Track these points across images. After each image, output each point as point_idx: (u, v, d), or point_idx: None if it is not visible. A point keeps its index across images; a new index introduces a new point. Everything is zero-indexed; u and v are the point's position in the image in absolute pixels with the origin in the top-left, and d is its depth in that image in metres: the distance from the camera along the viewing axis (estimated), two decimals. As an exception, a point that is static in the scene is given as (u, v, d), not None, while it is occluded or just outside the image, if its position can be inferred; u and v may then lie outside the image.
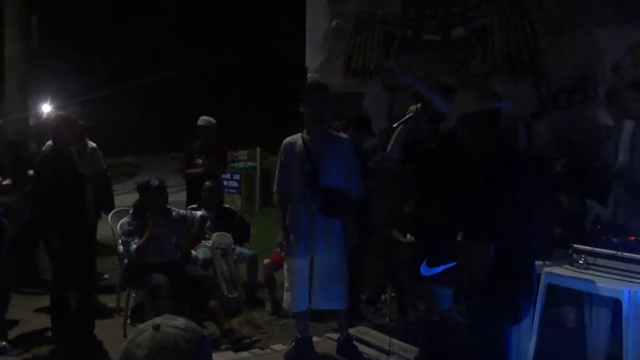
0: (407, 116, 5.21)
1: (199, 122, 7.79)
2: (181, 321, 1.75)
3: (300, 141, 5.30)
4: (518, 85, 6.77)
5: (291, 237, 5.33)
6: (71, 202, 5.82)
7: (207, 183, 7.40)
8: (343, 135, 5.63)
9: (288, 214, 5.40)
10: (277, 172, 5.51)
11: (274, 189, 5.67)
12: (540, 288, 4.79)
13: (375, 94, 7.55)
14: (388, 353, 5.30)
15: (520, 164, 3.84)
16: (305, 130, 5.32)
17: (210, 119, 7.84)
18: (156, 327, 1.69)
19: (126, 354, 1.70)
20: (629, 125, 5.53)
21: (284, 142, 5.44)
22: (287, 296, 5.47)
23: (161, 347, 1.67)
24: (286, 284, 5.48)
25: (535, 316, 4.81)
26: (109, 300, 7.15)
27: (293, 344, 5.55)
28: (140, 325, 1.75)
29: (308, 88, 5.35)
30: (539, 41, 6.70)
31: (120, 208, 7.31)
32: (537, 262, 4.86)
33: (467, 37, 7.09)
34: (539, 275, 4.84)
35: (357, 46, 7.64)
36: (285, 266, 5.55)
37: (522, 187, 3.60)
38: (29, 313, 6.77)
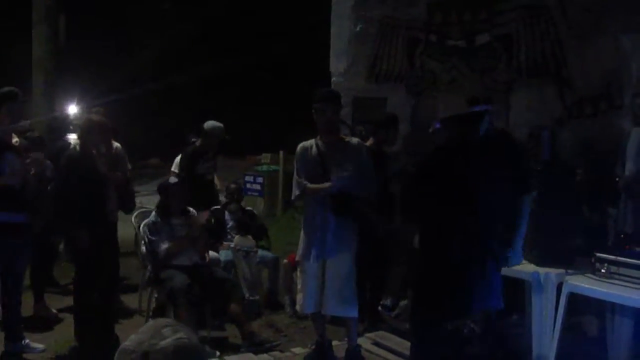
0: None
1: (206, 126, 7.52)
2: (170, 338, 1.69)
3: (314, 146, 5.36)
4: (543, 92, 6.74)
5: (305, 239, 5.37)
6: (95, 203, 5.88)
7: (232, 185, 7.45)
8: (355, 139, 5.61)
9: (303, 217, 5.46)
10: (293, 179, 5.52)
11: (292, 197, 5.65)
12: (561, 297, 4.78)
13: (399, 99, 7.56)
14: (405, 356, 5.30)
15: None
16: (318, 137, 5.38)
17: (215, 124, 7.55)
18: (144, 356, 1.66)
19: None
20: (636, 133, 5.48)
21: (299, 147, 5.48)
22: (299, 297, 5.51)
23: None
24: (299, 286, 5.52)
25: (556, 325, 4.79)
26: (130, 301, 7.22)
27: (313, 347, 5.56)
28: (129, 345, 1.70)
29: (319, 97, 5.30)
30: (564, 48, 6.68)
31: (144, 209, 7.37)
32: (558, 271, 4.88)
33: (492, 44, 7.08)
34: (560, 284, 4.83)
35: (381, 51, 7.65)
36: (298, 268, 5.59)
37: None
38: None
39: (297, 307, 5.67)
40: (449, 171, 4.08)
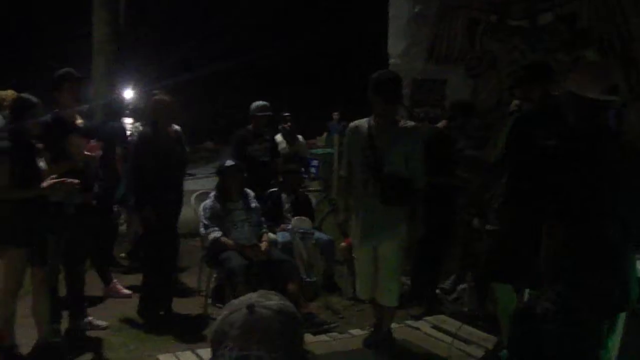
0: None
1: (250, 108, 7.62)
2: (274, 301, 1.75)
3: (365, 127, 5.17)
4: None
5: (354, 224, 5.30)
6: (167, 181, 6.05)
7: (290, 166, 7.50)
8: (411, 123, 5.42)
9: (353, 202, 5.34)
10: (344, 154, 5.48)
11: (341, 172, 5.59)
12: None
13: (459, 80, 7.42)
14: (465, 340, 5.26)
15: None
16: (372, 117, 5.20)
17: (259, 103, 7.61)
18: (250, 307, 1.70)
19: (219, 331, 1.72)
20: None
21: (350, 126, 5.37)
22: (357, 282, 5.55)
23: (254, 328, 1.68)
24: (356, 271, 5.53)
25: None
26: (189, 281, 7.33)
27: (372, 329, 5.55)
28: (235, 301, 1.76)
29: (372, 87, 5.06)
30: (630, 27, 6.47)
31: (203, 190, 7.47)
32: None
33: (556, 23, 6.90)
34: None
35: (441, 32, 7.52)
36: (353, 252, 5.56)
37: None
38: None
39: (358, 294, 5.72)
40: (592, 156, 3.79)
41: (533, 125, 4.15)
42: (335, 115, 20.63)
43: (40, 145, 5.06)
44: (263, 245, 6.29)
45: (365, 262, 5.30)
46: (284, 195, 7.44)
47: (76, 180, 4.97)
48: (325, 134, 19.07)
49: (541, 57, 6.58)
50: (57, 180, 4.90)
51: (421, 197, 5.23)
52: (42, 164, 5.01)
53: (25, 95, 5.10)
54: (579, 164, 3.75)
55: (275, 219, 7.18)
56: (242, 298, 1.77)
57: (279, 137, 9.04)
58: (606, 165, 3.80)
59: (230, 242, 6.18)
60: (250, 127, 7.58)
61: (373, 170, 5.05)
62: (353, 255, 5.55)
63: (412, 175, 5.08)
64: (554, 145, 3.88)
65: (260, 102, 7.53)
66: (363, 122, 5.23)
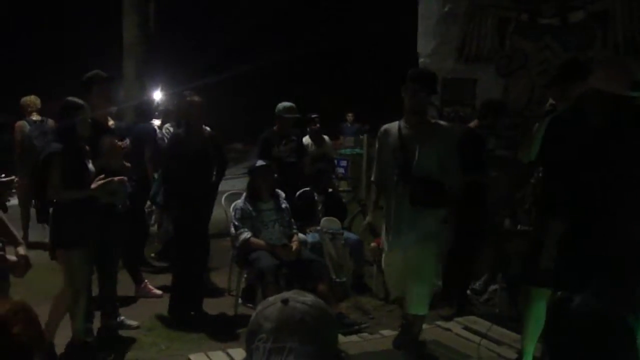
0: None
1: (276, 109, 7.52)
2: (309, 298, 1.76)
3: (396, 129, 5.08)
4: (640, 71, 6.46)
5: (385, 227, 5.21)
6: (201, 183, 6.11)
7: (320, 165, 7.50)
8: (444, 123, 5.37)
9: (384, 205, 5.25)
10: (375, 158, 5.40)
11: (372, 177, 5.52)
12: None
13: (489, 80, 7.37)
14: (496, 341, 5.21)
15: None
16: (403, 118, 5.11)
17: (285, 104, 7.51)
18: (285, 302, 1.72)
19: (254, 324, 1.73)
20: None
21: (381, 129, 5.25)
22: (387, 282, 5.54)
23: (288, 321, 1.69)
24: (386, 273, 5.48)
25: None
26: (219, 281, 7.36)
27: (400, 329, 5.53)
28: (270, 298, 1.77)
29: (410, 76, 5.00)
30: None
31: (234, 191, 7.50)
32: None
33: (587, 21, 6.82)
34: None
35: (471, 31, 7.47)
36: (382, 254, 5.44)
37: None
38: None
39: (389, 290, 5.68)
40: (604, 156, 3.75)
41: (569, 125, 4.09)
42: (350, 116, 19.75)
43: (88, 148, 5.15)
44: (294, 245, 6.28)
45: (391, 265, 5.24)
46: (316, 195, 7.44)
47: (125, 178, 5.06)
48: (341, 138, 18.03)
49: (573, 56, 6.51)
50: (105, 180, 4.98)
51: (455, 199, 5.14)
52: (90, 165, 5.10)
53: (72, 98, 5.16)
54: (609, 162, 3.71)
55: (308, 219, 7.19)
56: (276, 295, 1.78)
57: (307, 139, 9.01)
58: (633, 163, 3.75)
59: (261, 242, 6.18)
60: (275, 128, 7.54)
61: (402, 171, 4.96)
62: (383, 255, 5.46)
63: (445, 175, 4.97)
64: (588, 144, 3.83)
65: (287, 103, 7.48)
66: (393, 125, 5.15)
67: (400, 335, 5.45)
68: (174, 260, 6.82)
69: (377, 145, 5.34)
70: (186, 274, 6.27)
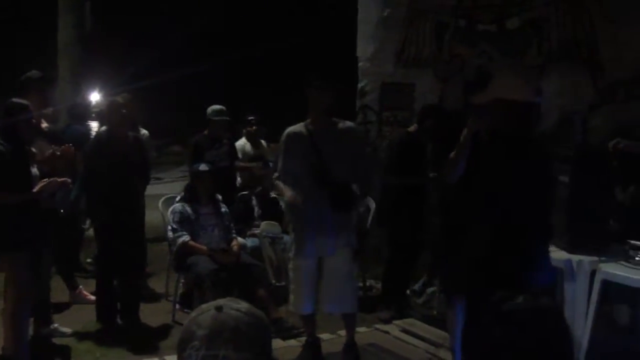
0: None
1: (207, 112, 7.39)
2: (244, 305, 1.74)
3: (304, 132, 4.97)
4: (574, 77, 6.63)
5: (298, 236, 5.09)
6: (121, 186, 5.91)
7: (259, 171, 7.48)
8: (349, 123, 5.24)
9: (294, 212, 5.10)
10: (279, 162, 5.15)
11: (274, 176, 5.32)
12: (594, 284, 4.70)
13: (427, 85, 7.47)
14: (434, 343, 5.26)
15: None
16: (309, 120, 5.01)
17: (215, 108, 7.38)
18: (218, 309, 1.70)
19: (187, 332, 1.70)
20: None
21: (286, 132, 5.08)
22: (292, 298, 5.29)
23: (221, 329, 1.67)
24: (292, 286, 5.28)
25: (589, 313, 4.71)
26: (157, 286, 7.24)
27: (302, 348, 5.38)
28: (204, 306, 1.75)
29: (315, 75, 4.93)
30: (597, 31, 6.55)
31: (170, 195, 7.38)
32: (592, 258, 4.78)
33: (523, 28, 6.96)
34: (593, 272, 4.75)
35: (409, 36, 7.56)
36: (290, 266, 5.30)
37: None
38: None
39: (291, 308, 5.41)
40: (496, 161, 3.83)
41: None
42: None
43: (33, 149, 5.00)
44: (234, 247, 6.21)
45: (308, 274, 5.10)
46: (254, 199, 7.40)
47: (68, 179, 4.92)
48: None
49: (510, 60, 6.66)
50: (46, 182, 4.84)
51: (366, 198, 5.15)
52: (34, 169, 4.95)
53: (16, 99, 4.99)
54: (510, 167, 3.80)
55: (245, 222, 7.12)
56: (210, 303, 1.76)
57: (242, 140, 8.86)
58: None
59: (200, 246, 6.09)
60: (206, 132, 7.38)
61: (320, 178, 4.87)
62: (290, 268, 5.30)
63: (357, 176, 4.95)
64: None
65: (217, 106, 7.32)
66: (300, 127, 5.03)
67: (304, 352, 5.31)
68: (95, 268, 6.60)
69: (282, 149, 5.11)
70: (107, 281, 6.11)
